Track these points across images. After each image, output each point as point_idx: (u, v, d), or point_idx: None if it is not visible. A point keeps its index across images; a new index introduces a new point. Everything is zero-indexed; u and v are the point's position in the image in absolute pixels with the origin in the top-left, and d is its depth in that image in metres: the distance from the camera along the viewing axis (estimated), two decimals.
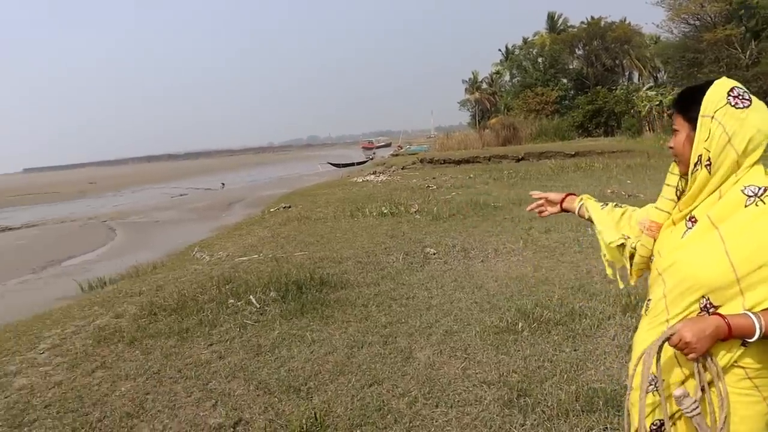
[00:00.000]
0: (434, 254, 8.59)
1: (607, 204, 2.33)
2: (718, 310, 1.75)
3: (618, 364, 4.36)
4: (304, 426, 3.77)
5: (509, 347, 4.86)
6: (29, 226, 23.16)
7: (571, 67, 53.69)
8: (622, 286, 2.29)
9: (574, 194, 2.46)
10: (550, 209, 2.52)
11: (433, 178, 22.56)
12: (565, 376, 4.24)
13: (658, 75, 50.64)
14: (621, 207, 2.29)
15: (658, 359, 1.83)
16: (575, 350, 4.70)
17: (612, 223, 2.24)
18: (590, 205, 2.35)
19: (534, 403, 3.87)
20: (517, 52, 59.76)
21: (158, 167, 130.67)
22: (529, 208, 2.60)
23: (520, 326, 5.25)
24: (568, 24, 56.59)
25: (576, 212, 2.41)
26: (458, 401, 4.02)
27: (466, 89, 67.63)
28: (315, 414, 3.90)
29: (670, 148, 1.94)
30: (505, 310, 5.80)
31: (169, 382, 4.76)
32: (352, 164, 47.26)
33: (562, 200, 2.47)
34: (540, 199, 2.54)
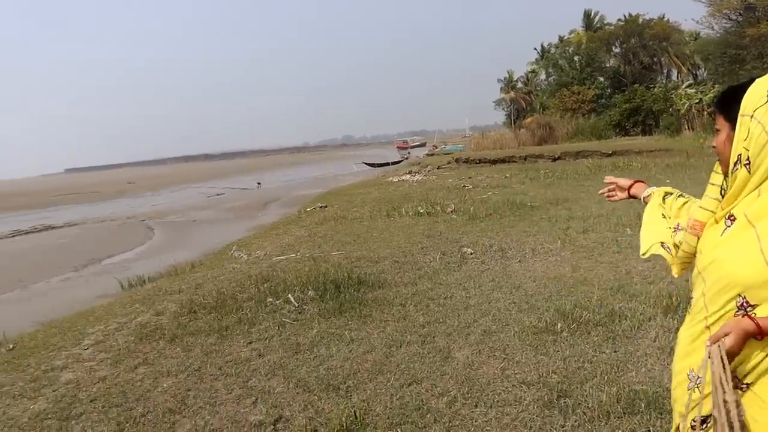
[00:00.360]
0: (471, 254, 8.55)
1: (672, 194, 2.31)
2: (756, 309, 1.70)
3: (660, 366, 4.29)
4: (344, 424, 3.80)
5: (548, 348, 4.82)
6: (71, 225, 23.71)
7: (607, 65, 52.91)
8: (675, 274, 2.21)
9: (643, 181, 2.49)
10: (620, 194, 2.56)
11: (469, 177, 22.45)
12: (606, 377, 4.19)
13: (697, 72, 49.65)
14: (685, 197, 2.26)
15: (712, 364, 1.80)
16: (615, 351, 4.64)
17: (660, 221, 2.21)
18: (653, 197, 2.35)
19: (574, 405, 3.84)
20: (552, 50, 59.18)
21: (195, 167, 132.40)
22: (600, 192, 2.67)
23: (559, 327, 5.20)
24: (605, 22, 55.85)
25: (642, 200, 2.42)
26: (498, 401, 4.01)
27: (501, 88, 67.23)
28: (354, 412, 3.93)
29: (713, 147, 1.92)
30: (543, 310, 5.75)
31: (209, 379, 4.84)
32: (387, 164, 47.30)
33: (630, 186, 2.50)
34: (611, 183, 2.59)
